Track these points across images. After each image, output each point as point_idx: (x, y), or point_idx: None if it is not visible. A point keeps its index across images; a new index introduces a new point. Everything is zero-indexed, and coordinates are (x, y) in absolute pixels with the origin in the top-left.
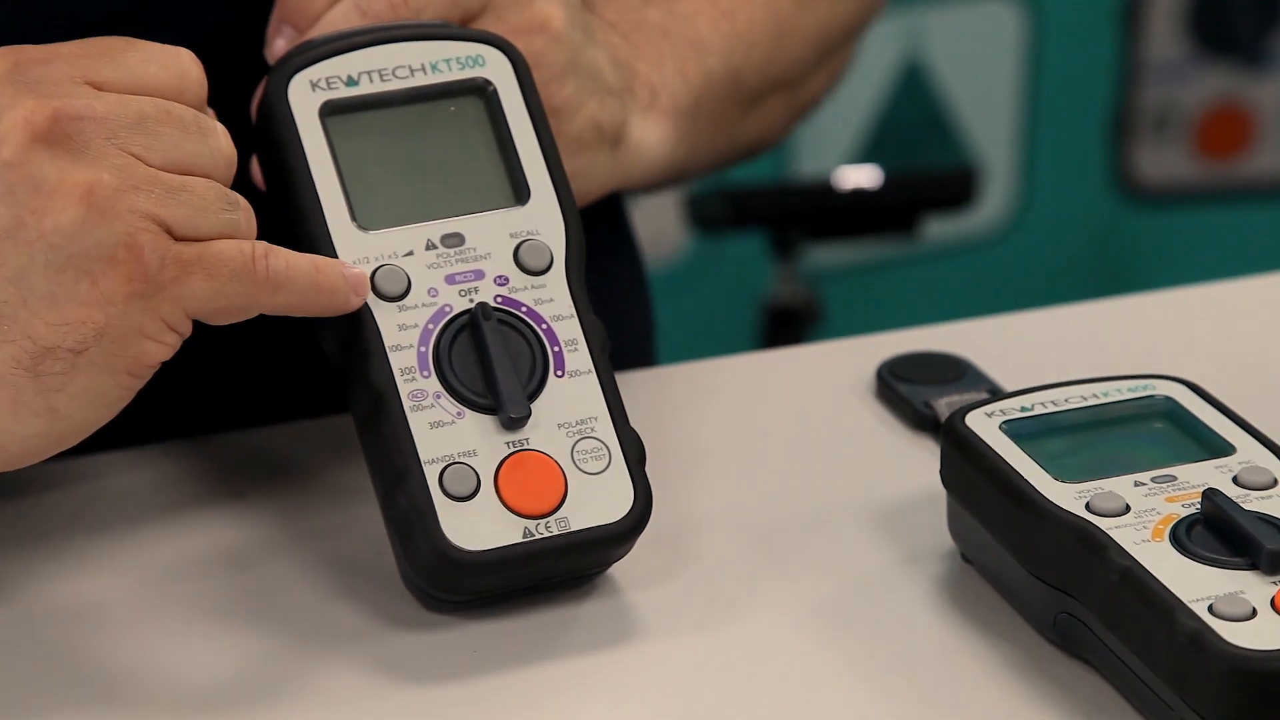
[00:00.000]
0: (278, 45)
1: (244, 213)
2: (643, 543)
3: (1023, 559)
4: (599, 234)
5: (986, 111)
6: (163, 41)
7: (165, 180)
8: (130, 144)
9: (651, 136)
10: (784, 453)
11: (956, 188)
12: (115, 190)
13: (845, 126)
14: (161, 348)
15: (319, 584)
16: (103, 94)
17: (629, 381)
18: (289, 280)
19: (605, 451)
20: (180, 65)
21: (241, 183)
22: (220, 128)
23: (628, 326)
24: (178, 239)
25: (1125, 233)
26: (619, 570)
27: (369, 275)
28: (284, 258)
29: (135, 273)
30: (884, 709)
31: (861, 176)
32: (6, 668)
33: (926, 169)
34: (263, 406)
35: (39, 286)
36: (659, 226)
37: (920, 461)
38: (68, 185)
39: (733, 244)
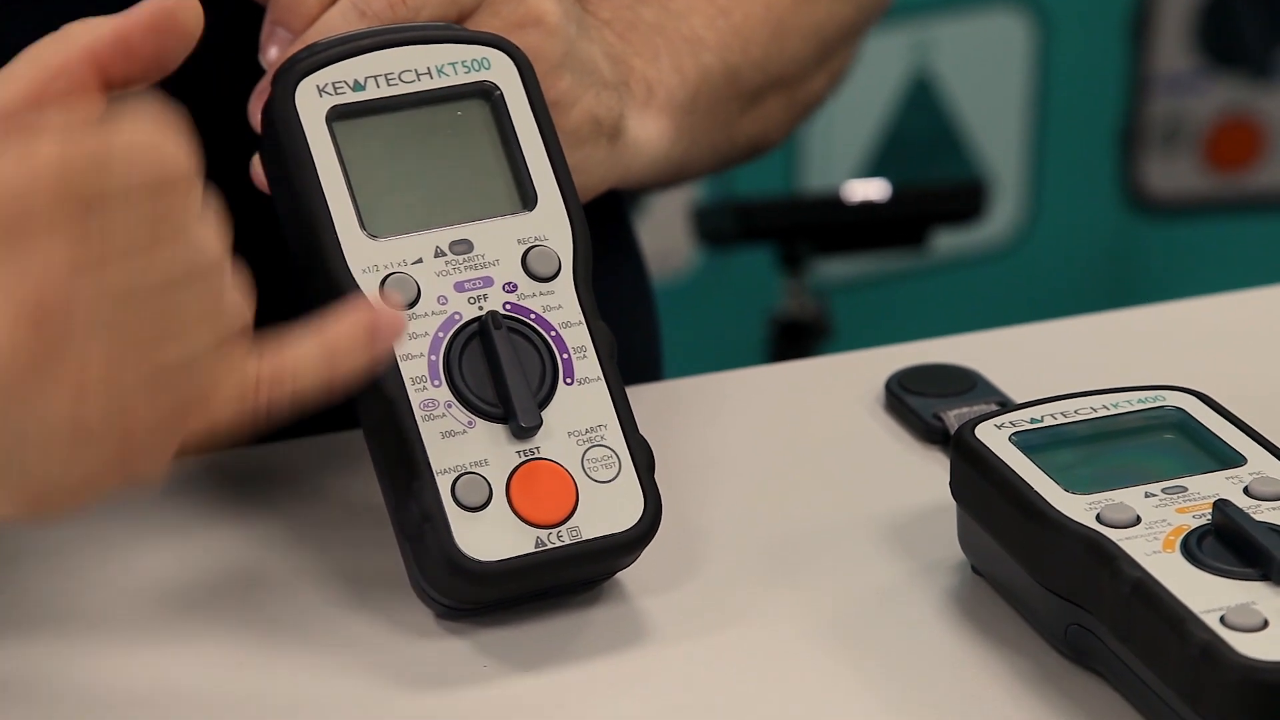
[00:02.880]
0: (272, 50)
1: (237, 311)
2: (652, 550)
3: (1033, 571)
4: (603, 245)
5: (995, 124)
6: None
7: (154, 370)
8: (115, 317)
9: (649, 132)
10: (793, 465)
11: (965, 200)
12: (104, 376)
13: (854, 139)
14: (161, 471)
15: (330, 594)
16: (90, 273)
17: (637, 395)
18: (294, 391)
19: (615, 459)
20: (158, 158)
21: (242, 184)
22: (209, 224)
23: (633, 339)
24: (176, 377)
25: (1135, 245)
26: (628, 576)
27: (379, 284)
28: (290, 379)
29: (130, 441)
30: None
31: (870, 189)
32: (15, 681)
33: (935, 182)
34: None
35: (32, 459)
36: (667, 240)
37: (930, 474)
38: (54, 383)
39: (741, 257)
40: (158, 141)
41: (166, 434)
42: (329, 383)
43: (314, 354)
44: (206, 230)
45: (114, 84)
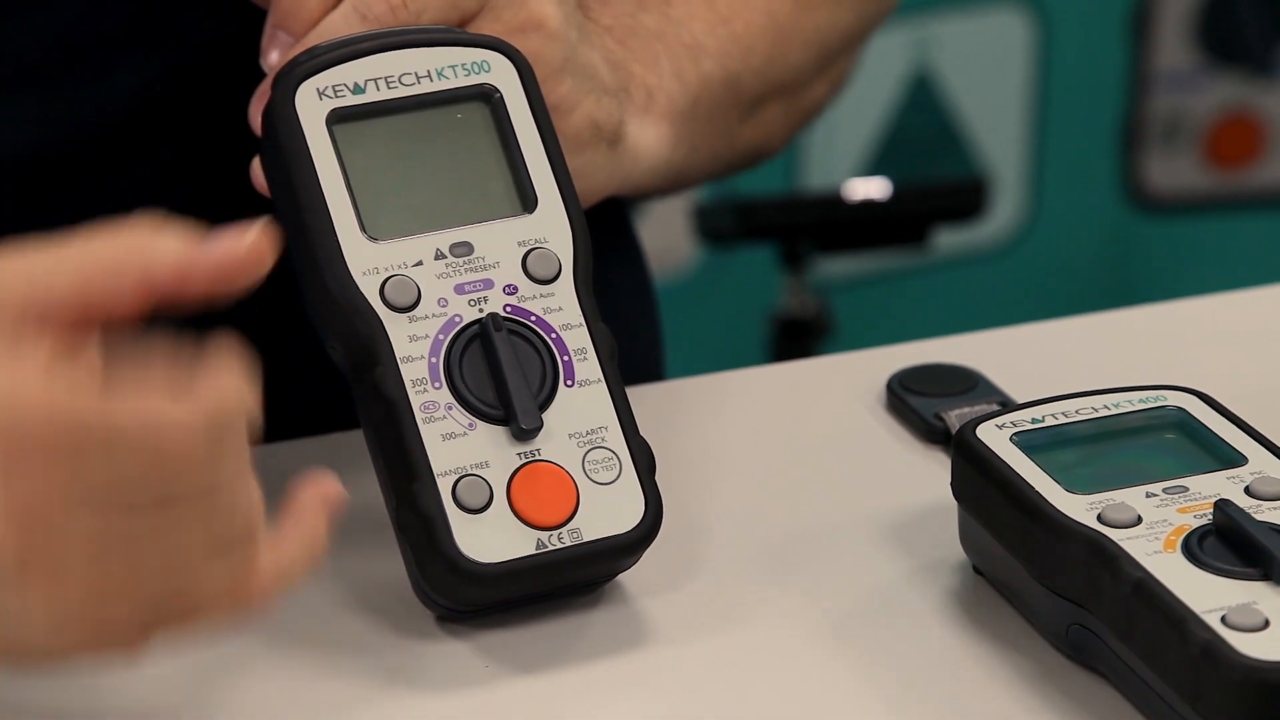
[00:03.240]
0: (273, 54)
1: (246, 548)
2: (653, 550)
3: (1034, 570)
4: (604, 245)
5: (996, 122)
6: (162, 56)
7: (154, 598)
8: (117, 567)
9: (649, 138)
10: (795, 465)
11: (966, 198)
12: (95, 616)
13: (854, 138)
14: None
15: (331, 596)
16: (92, 507)
17: (638, 394)
18: (291, 584)
19: (616, 461)
20: (162, 451)
21: (242, 186)
22: (245, 487)
23: (634, 339)
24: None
25: (1135, 242)
26: (629, 578)
27: (379, 286)
28: (275, 584)
29: (134, 649)
30: None
31: (871, 188)
32: (14, 688)
33: (936, 180)
34: (271, 423)
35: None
36: (668, 238)
37: (931, 473)
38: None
39: (742, 256)
40: (190, 420)
41: (147, 631)
42: (314, 559)
43: (299, 549)
44: (237, 499)
45: (153, 303)
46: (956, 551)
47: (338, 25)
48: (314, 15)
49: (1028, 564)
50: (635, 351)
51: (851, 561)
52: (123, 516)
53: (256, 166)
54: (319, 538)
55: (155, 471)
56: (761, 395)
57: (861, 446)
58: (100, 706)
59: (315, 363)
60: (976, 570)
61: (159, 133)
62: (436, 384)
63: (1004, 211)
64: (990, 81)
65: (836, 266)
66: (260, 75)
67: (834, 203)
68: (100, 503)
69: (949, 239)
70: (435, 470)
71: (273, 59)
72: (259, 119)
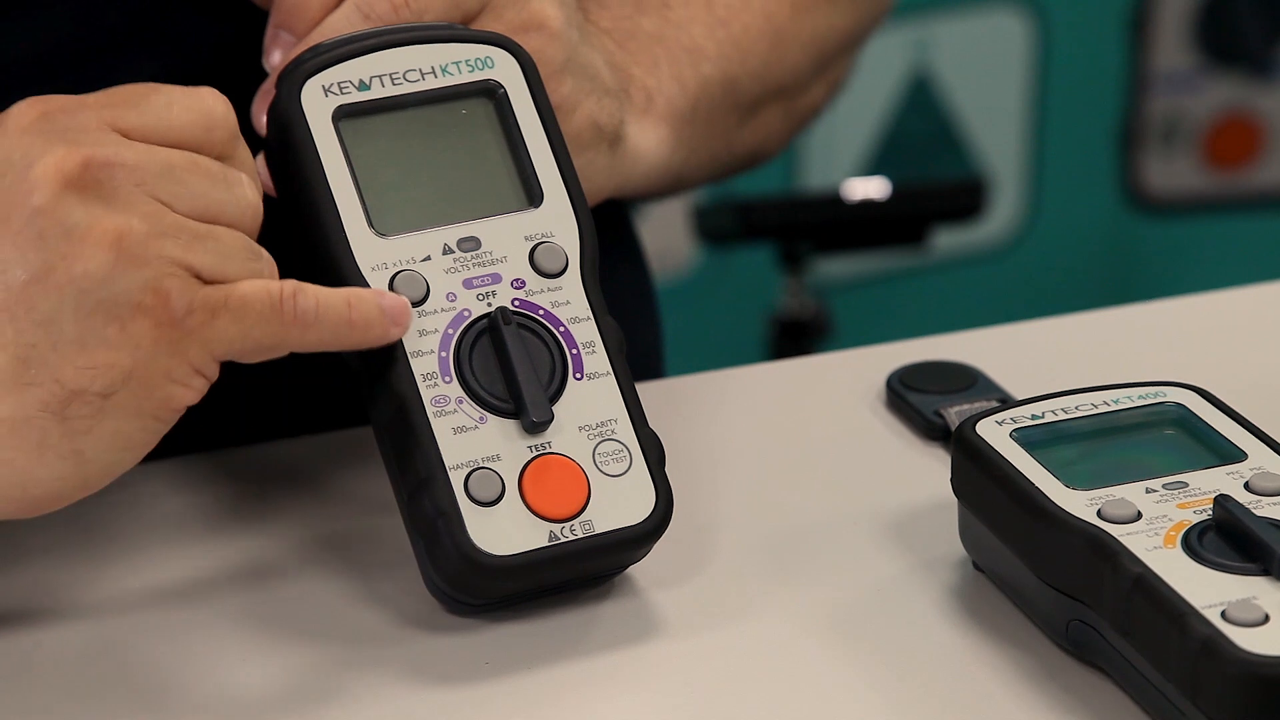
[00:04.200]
0: (275, 53)
1: (268, 264)
2: (660, 544)
3: (1035, 566)
4: (605, 244)
5: (995, 122)
6: (163, 58)
7: (192, 228)
8: (158, 191)
9: (648, 140)
10: (795, 462)
11: (965, 199)
12: (144, 236)
13: (853, 138)
14: (188, 391)
15: (341, 589)
16: (132, 142)
17: (640, 392)
18: (319, 318)
19: (626, 453)
20: (204, 106)
21: None
22: (246, 177)
23: (635, 338)
24: (204, 284)
25: (1134, 243)
26: (638, 570)
27: (388, 281)
28: (314, 295)
29: (163, 317)
30: (896, 716)
31: (870, 188)
32: (34, 679)
33: (935, 180)
34: (281, 420)
35: (68, 331)
36: (667, 238)
37: (931, 470)
38: (98, 231)
39: (741, 256)
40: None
41: (202, 326)
42: (347, 325)
43: (337, 297)
44: (244, 178)
45: None
46: (956, 548)
47: (340, 24)
48: (316, 15)
49: (1028, 560)
50: (636, 350)
51: (852, 558)
52: (166, 156)
53: (261, 165)
54: (359, 306)
55: (201, 119)
56: (762, 393)
57: (862, 444)
58: (104, 697)
59: (323, 359)
60: (976, 566)
61: None
62: (447, 378)
63: (1002, 212)
64: (989, 82)
65: (835, 267)
66: (262, 76)
67: (833, 203)
68: (143, 137)
69: (948, 239)
70: (447, 464)
71: (275, 59)
72: (263, 118)
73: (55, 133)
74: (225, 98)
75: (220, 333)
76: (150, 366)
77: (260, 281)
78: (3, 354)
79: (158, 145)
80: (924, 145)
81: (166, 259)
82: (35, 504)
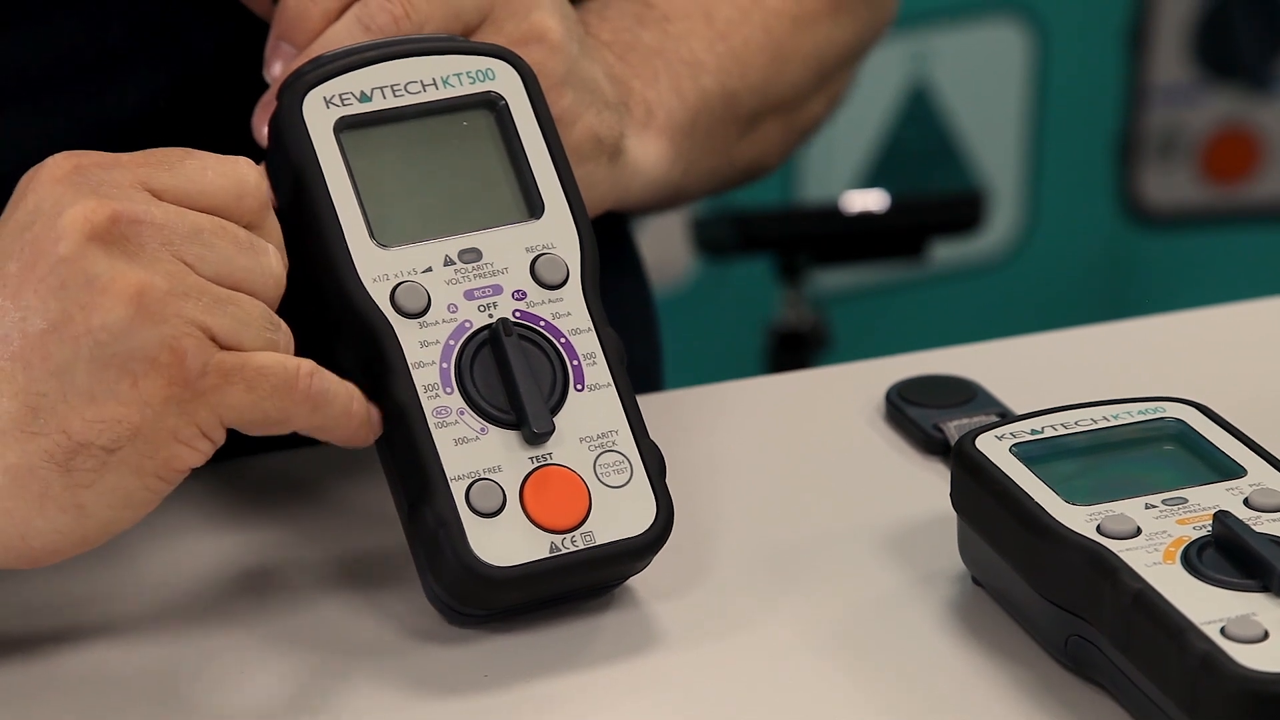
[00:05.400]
0: (276, 65)
1: (284, 336)
2: (660, 556)
3: (1034, 582)
4: (604, 255)
5: (993, 135)
6: (166, 69)
7: (214, 291)
8: (184, 253)
9: (648, 154)
10: (795, 475)
11: (963, 211)
12: (165, 294)
13: (852, 150)
14: (193, 453)
15: (342, 600)
16: (161, 202)
17: (639, 405)
18: (327, 403)
19: (627, 465)
20: (237, 173)
21: None
22: (273, 248)
23: (634, 350)
24: (220, 349)
25: (1132, 256)
26: (638, 582)
27: (389, 292)
28: (327, 379)
29: (176, 376)
30: None
31: (868, 200)
32: (22, 681)
33: (933, 193)
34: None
35: (80, 382)
36: (666, 250)
37: (930, 484)
38: (119, 284)
39: (740, 268)
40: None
41: (214, 390)
42: (346, 416)
43: (343, 387)
44: (270, 248)
45: None
46: (956, 562)
47: (341, 36)
48: (318, 26)
49: (1027, 575)
50: (635, 363)
51: (851, 572)
52: (194, 221)
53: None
54: (358, 400)
55: (233, 185)
56: (762, 406)
57: (861, 457)
58: (104, 706)
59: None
60: (975, 581)
61: (162, 146)
62: (448, 389)
63: (1001, 224)
64: (987, 94)
65: (834, 279)
66: (264, 87)
67: (831, 215)
68: (174, 199)
69: (946, 251)
70: (449, 475)
71: (276, 70)
72: (264, 129)
73: (88, 185)
74: (259, 167)
75: (231, 399)
76: (158, 425)
77: (278, 354)
78: (13, 401)
79: (188, 209)
80: (922, 157)
81: (185, 319)
82: (33, 556)
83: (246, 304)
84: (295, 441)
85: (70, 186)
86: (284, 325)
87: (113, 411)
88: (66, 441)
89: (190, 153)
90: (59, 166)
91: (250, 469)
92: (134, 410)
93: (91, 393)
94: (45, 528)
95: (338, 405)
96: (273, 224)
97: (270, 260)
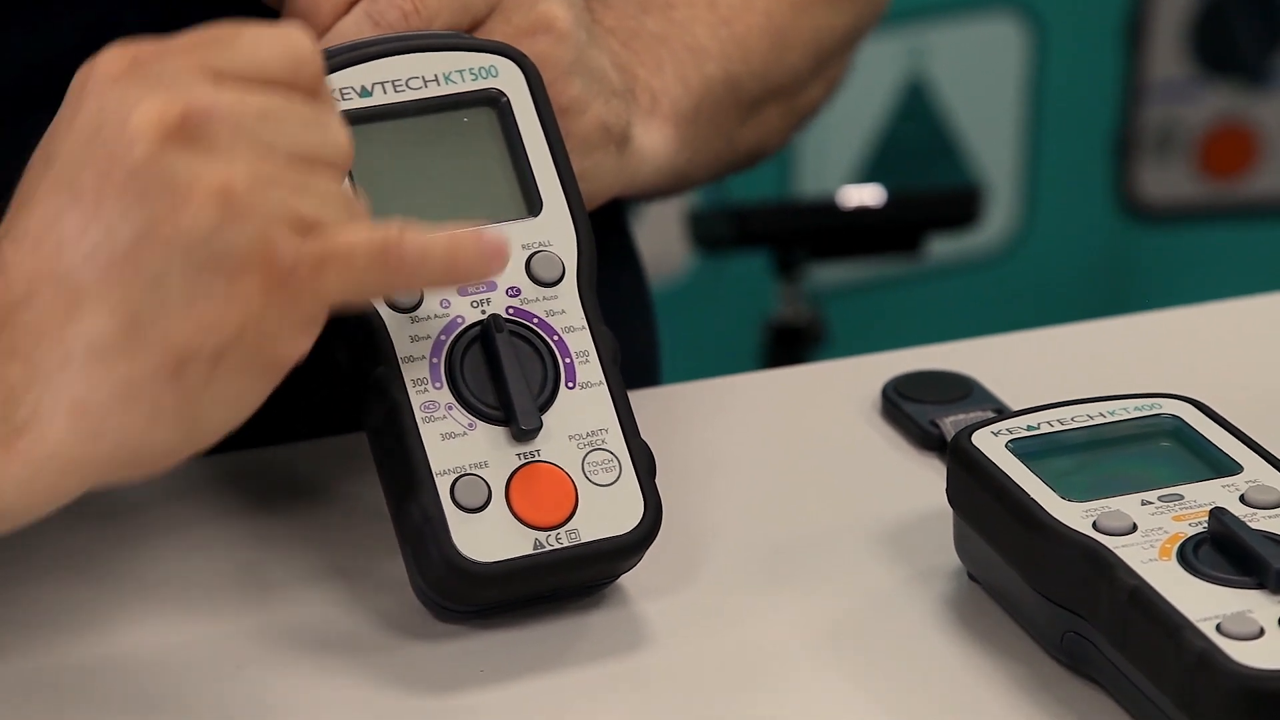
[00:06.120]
0: None
1: (363, 203)
2: (650, 555)
3: (1030, 578)
4: (602, 252)
5: (990, 130)
6: None
7: (292, 176)
8: (257, 138)
9: (654, 141)
10: (790, 471)
11: (960, 207)
12: (249, 187)
13: (848, 146)
14: (299, 344)
15: (330, 595)
16: (225, 87)
17: (635, 400)
18: (424, 263)
19: (616, 463)
20: (291, 43)
21: None
22: (336, 117)
23: (631, 345)
24: (309, 232)
25: (1128, 252)
26: (629, 579)
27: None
28: (419, 241)
29: (271, 272)
30: None
31: (865, 195)
32: (18, 678)
33: (930, 188)
34: (275, 427)
35: (177, 290)
36: (662, 245)
37: (926, 480)
38: (203, 184)
39: (736, 263)
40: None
41: (310, 278)
42: (451, 266)
43: (440, 242)
44: (335, 118)
45: None
46: (952, 558)
47: (349, 30)
48: (326, 21)
49: (1023, 571)
50: (632, 358)
51: (846, 568)
52: (263, 99)
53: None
54: (462, 249)
55: (289, 57)
56: (757, 401)
57: (857, 453)
58: (97, 702)
59: (318, 365)
60: (971, 577)
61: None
62: (437, 384)
63: (997, 220)
64: (984, 90)
65: (830, 274)
66: None
67: (828, 210)
68: (238, 84)
69: (942, 247)
70: (434, 469)
71: None
72: None
73: (148, 81)
74: (310, 33)
75: (329, 283)
76: (261, 322)
77: (363, 227)
78: (111, 319)
79: (250, 87)
80: (919, 153)
81: (271, 211)
82: (146, 466)
83: (324, 181)
84: (287, 437)
85: (132, 84)
86: (361, 194)
87: (214, 315)
88: (173, 353)
89: (241, 27)
90: (114, 63)
91: (242, 464)
92: (236, 311)
93: (190, 299)
94: (160, 439)
95: (437, 260)
96: (328, 91)
97: (336, 129)
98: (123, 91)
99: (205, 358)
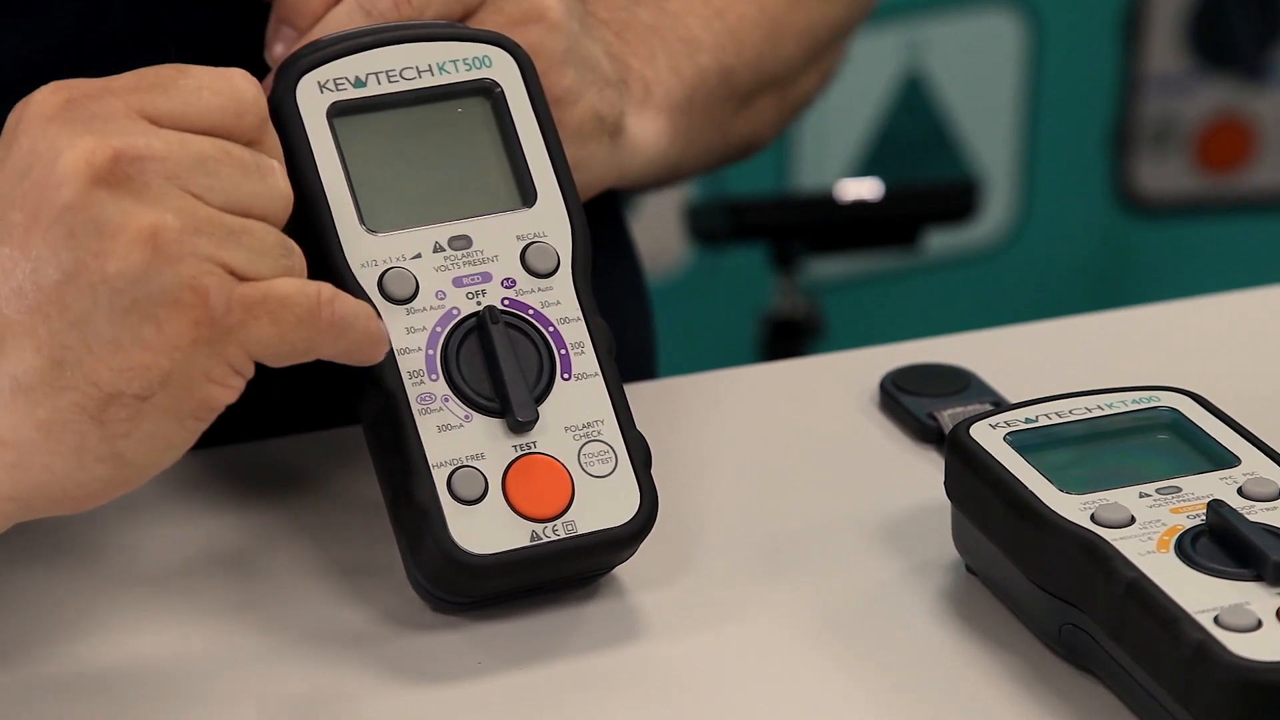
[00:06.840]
0: (277, 47)
1: (298, 259)
2: (646, 547)
3: (1027, 570)
4: (598, 244)
5: (987, 124)
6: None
7: (227, 222)
8: (191, 184)
9: (647, 132)
10: (788, 464)
11: (957, 200)
12: (179, 232)
13: (846, 139)
14: (227, 391)
15: (327, 587)
16: (161, 131)
17: (632, 393)
18: (349, 326)
19: (612, 454)
20: (234, 89)
21: None
22: (278, 166)
23: (628, 338)
24: (242, 280)
25: (1126, 245)
26: (625, 571)
27: (377, 278)
28: (348, 307)
29: (201, 317)
30: (887, 719)
31: (862, 189)
32: (14, 670)
33: (927, 181)
34: (270, 419)
35: (103, 332)
36: (659, 238)
37: (924, 473)
38: (131, 228)
39: (733, 256)
40: (226, 81)
41: (240, 325)
42: (369, 338)
43: (362, 307)
44: (275, 167)
45: None
46: (949, 551)
47: (341, 20)
48: (318, 10)
49: (1020, 564)
50: (628, 350)
51: (844, 560)
52: (198, 146)
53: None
54: (376, 320)
55: (231, 103)
56: (755, 394)
57: (855, 446)
58: (93, 693)
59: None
60: (969, 570)
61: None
62: (433, 376)
63: (995, 213)
64: (982, 83)
65: (827, 267)
66: (264, 70)
67: (825, 203)
68: (174, 127)
69: (940, 240)
70: (431, 461)
71: (277, 53)
72: None
73: (81, 121)
74: (255, 79)
75: (258, 333)
76: (188, 367)
77: (297, 281)
78: (37, 356)
79: (187, 133)
80: (917, 146)
81: (202, 256)
82: (76, 504)
83: (260, 231)
84: (282, 429)
85: (64, 124)
86: (296, 247)
87: (140, 358)
88: (97, 393)
89: (183, 70)
90: (48, 102)
91: (237, 457)
92: (162, 355)
93: (116, 341)
94: (86, 478)
95: (359, 327)
96: (273, 139)
97: (277, 180)
98: (56, 132)
99: (130, 399)
